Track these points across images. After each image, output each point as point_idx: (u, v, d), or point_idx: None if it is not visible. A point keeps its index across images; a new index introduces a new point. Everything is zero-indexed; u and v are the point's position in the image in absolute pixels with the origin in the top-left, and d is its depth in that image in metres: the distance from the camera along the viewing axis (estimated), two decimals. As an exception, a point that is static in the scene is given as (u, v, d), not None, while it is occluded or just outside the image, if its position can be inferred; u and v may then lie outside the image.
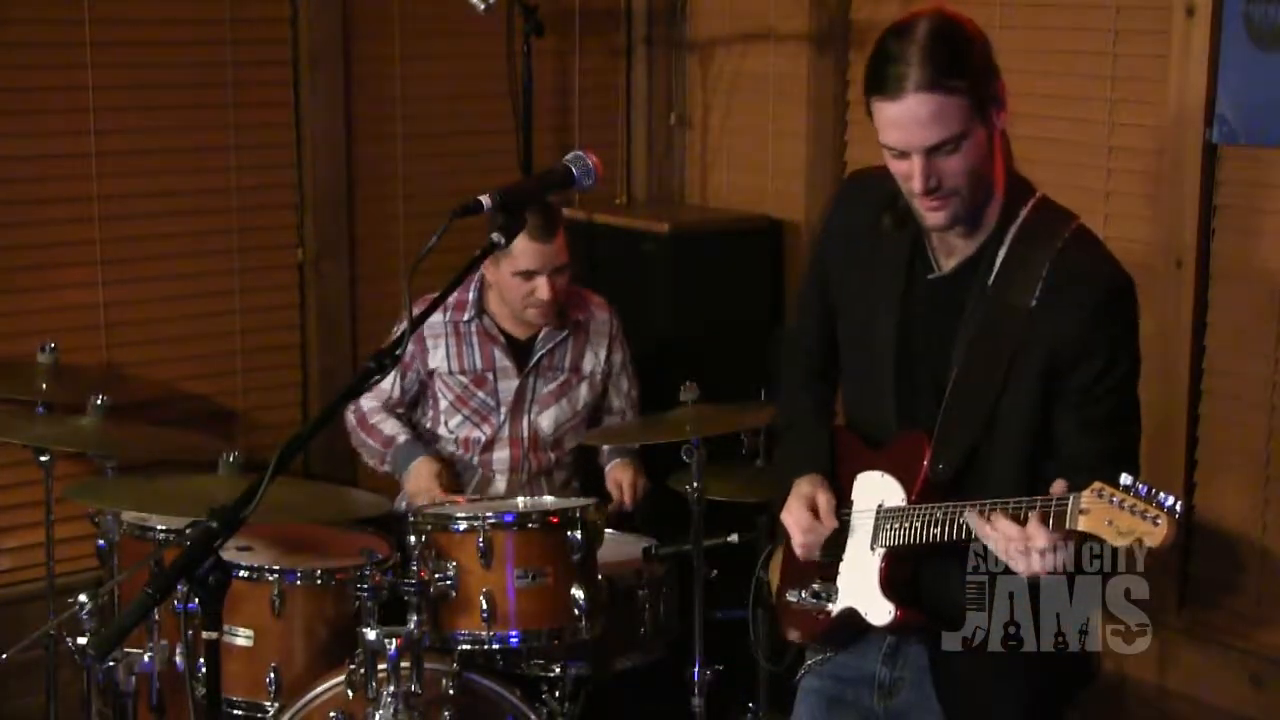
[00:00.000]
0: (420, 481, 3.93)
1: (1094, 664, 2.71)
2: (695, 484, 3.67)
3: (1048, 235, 2.53)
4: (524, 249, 3.83)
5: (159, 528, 3.48)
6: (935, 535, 2.50)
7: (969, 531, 2.45)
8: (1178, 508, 2.25)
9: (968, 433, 2.54)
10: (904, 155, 2.47)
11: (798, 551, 2.75)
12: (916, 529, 2.54)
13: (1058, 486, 2.36)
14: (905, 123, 2.43)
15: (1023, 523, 2.36)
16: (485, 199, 2.57)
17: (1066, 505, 2.32)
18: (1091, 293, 2.49)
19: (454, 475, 4.02)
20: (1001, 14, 4.13)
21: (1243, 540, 3.79)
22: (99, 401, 3.64)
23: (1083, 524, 2.30)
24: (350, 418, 4.10)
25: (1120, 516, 2.26)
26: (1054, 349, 2.50)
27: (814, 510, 2.70)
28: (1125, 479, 2.27)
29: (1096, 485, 2.28)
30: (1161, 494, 2.25)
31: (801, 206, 4.66)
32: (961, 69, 2.42)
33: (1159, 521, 2.24)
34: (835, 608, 2.70)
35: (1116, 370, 2.51)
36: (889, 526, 2.60)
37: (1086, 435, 2.49)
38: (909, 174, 2.48)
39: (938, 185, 2.46)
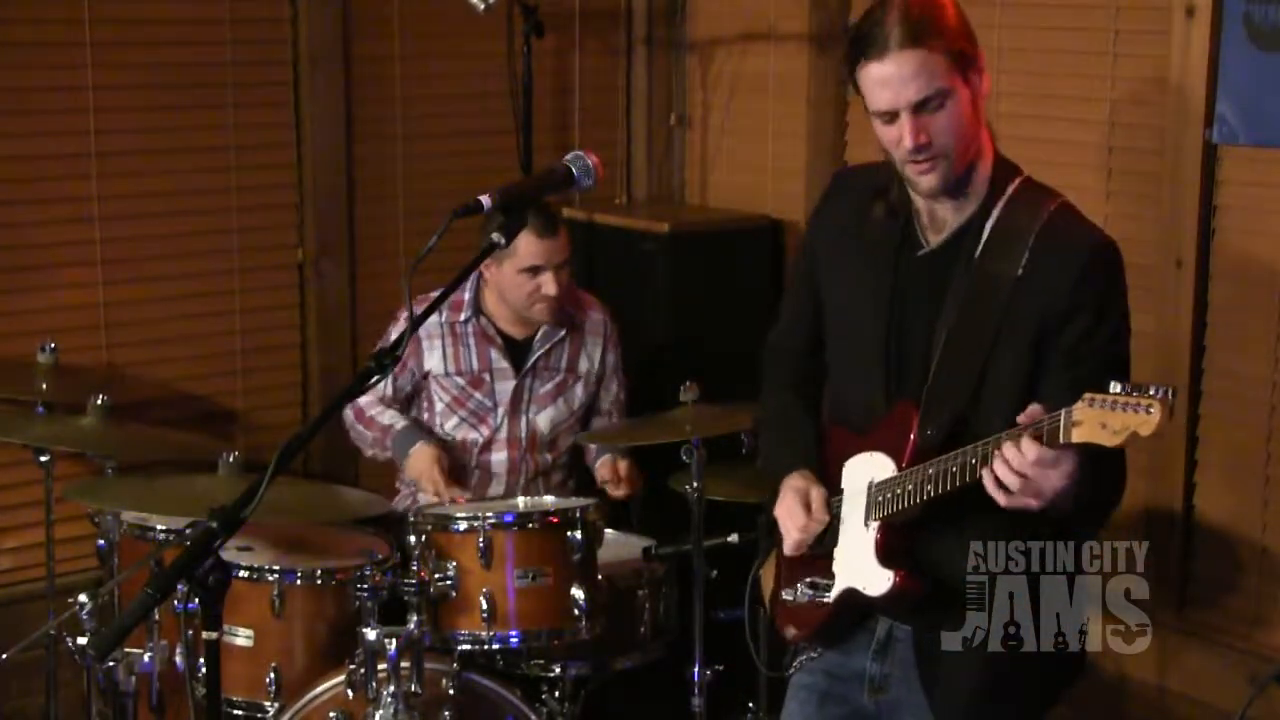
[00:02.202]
0: (420, 465, 3.91)
1: (1085, 657, 2.70)
2: (695, 484, 3.68)
3: (1033, 209, 2.59)
4: (529, 246, 3.84)
5: (159, 528, 3.48)
6: (930, 492, 2.51)
7: (963, 478, 2.45)
8: (1170, 395, 2.23)
9: (956, 399, 2.56)
10: (893, 119, 2.54)
11: (789, 547, 2.76)
12: (910, 492, 2.55)
13: (1033, 410, 2.38)
14: (891, 80, 2.51)
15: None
16: (485, 199, 2.57)
17: (1059, 420, 2.32)
18: (1075, 256, 2.54)
19: (455, 461, 4.00)
20: (1001, 14, 4.13)
21: (1243, 540, 3.79)
22: (99, 401, 3.64)
23: (1076, 435, 2.30)
24: (348, 413, 4.08)
25: (1112, 416, 2.26)
26: (1043, 314, 2.53)
27: (807, 505, 2.71)
28: (1114, 386, 2.27)
29: (1087, 396, 2.29)
30: (1152, 387, 2.25)
31: (801, 206, 4.66)
32: (939, 28, 2.51)
33: (1151, 410, 2.23)
34: (833, 594, 2.70)
35: (1103, 329, 2.54)
36: (882, 498, 2.61)
37: (1076, 394, 2.48)
38: (899, 137, 2.54)
39: (928, 142, 2.53)
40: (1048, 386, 2.53)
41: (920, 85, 2.50)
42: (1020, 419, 2.39)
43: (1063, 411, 2.32)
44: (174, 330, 4.35)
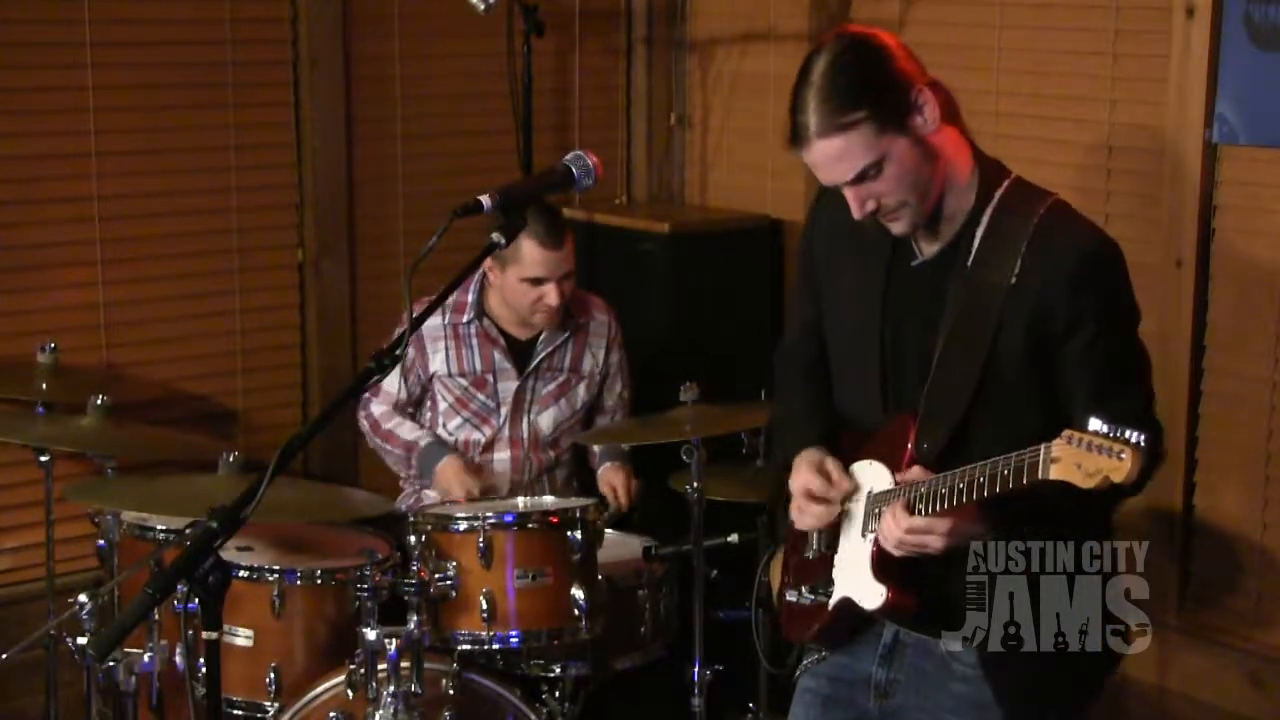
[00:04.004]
0: (450, 476, 3.91)
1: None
2: (695, 484, 3.68)
3: (1024, 212, 2.56)
4: (533, 256, 3.83)
5: (159, 528, 3.48)
6: (921, 510, 2.50)
7: (952, 501, 2.45)
8: (1142, 441, 2.23)
9: (952, 411, 2.55)
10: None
11: (805, 520, 2.71)
12: None
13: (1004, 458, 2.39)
14: (819, 166, 2.55)
15: (996, 490, 2.38)
16: (485, 199, 2.57)
17: (1039, 455, 2.32)
18: (1069, 259, 2.51)
19: (479, 470, 4.02)
20: (1001, 14, 4.14)
21: (1243, 540, 3.79)
22: (99, 401, 3.64)
23: (1054, 472, 2.30)
24: (364, 423, 4.10)
25: (1087, 458, 2.26)
26: (1037, 320, 2.50)
27: (824, 473, 2.68)
28: (1094, 424, 2.26)
29: (1066, 433, 2.29)
30: (1127, 431, 2.24)
31: (801, 206, 4.65)
32: (857, 99, 2.48)
33: (1123, 456, 2.23)
34: (832, 601, 2.70)
35: (1111, 333, 2.52)
36: (878, 510, 2.60)
37: (1094, 404, 2.44)
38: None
39: (876, 207, 2.54)
40: (1068, 400, 2.51)
41: (847, 167, 2.50)
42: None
43: (1042, 447, 2.32)
44: (174, 330, 4.35)
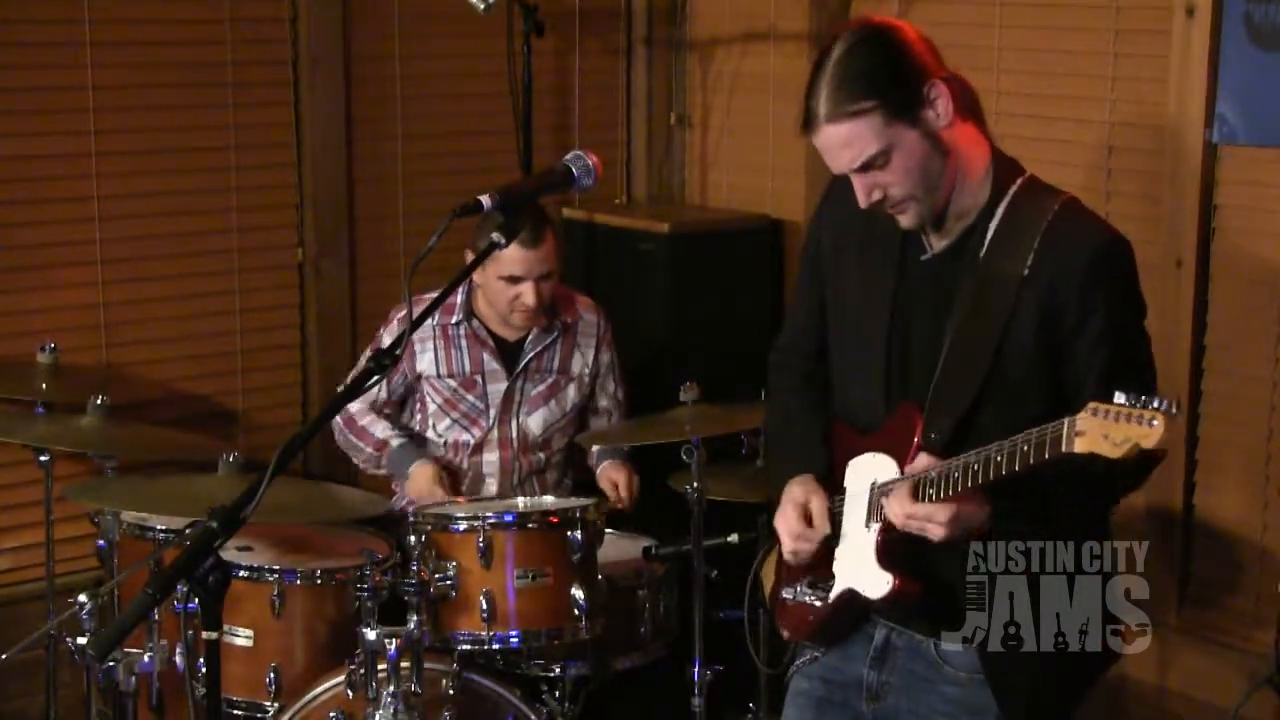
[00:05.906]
0: (422, 485, 3.92)
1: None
2: (695, 484, 3.68)
3: (1038, 208, 2.56)
4: (510, 255, 3.80)
5: (159, 528, 3.48)
6: (932, 496, 2.49)
7: (965, 483, 2.44)
8: (1173, 408, 2.22)
9: (960, 402, 2.55)
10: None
11: (789, 558, 2.75)
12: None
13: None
14: (826, 151, 2.56)
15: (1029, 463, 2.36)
16: (485, 199, 2.57)
17: (1062, 430, 2.31)
18: (1082, 254, 2.51)
19: (453, 477, 4.01)
20: (1001, 14, 4.14)
21: (1243, 540, 3.79)
22: (99, 401, 3.64)
23: (1079, 445, 2.28)
24: (337, 421, 4.07)
25: (1114, 428, 2.25)
26: (1048, 313, 2.51)
27: (807, 516, 2.70)
28: (1119, 396, 2.25)
29: (1091, 405, 2.28)
30: (1155, 399, 2.23)
31: (801, 206, 4.66)
32: (868, 89, 2.49)
33: (1154, 422, 2.22)
34: (833, 594, 2.70)
35: (1121, 327, 2.53)
36: (884, 500, 2.60)
37: (1105, 390, 2.45)
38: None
39: (882, 197, 2.55)
40: (1081, 388, 2.50)
41: (853, 154, 2.51)
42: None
43: (1065, 420, 2.30)
44: (174, 330, 4.35)
